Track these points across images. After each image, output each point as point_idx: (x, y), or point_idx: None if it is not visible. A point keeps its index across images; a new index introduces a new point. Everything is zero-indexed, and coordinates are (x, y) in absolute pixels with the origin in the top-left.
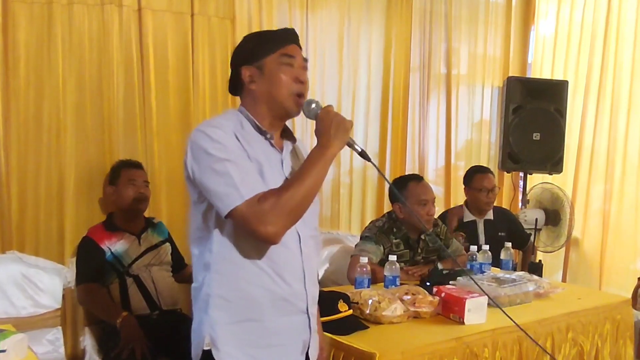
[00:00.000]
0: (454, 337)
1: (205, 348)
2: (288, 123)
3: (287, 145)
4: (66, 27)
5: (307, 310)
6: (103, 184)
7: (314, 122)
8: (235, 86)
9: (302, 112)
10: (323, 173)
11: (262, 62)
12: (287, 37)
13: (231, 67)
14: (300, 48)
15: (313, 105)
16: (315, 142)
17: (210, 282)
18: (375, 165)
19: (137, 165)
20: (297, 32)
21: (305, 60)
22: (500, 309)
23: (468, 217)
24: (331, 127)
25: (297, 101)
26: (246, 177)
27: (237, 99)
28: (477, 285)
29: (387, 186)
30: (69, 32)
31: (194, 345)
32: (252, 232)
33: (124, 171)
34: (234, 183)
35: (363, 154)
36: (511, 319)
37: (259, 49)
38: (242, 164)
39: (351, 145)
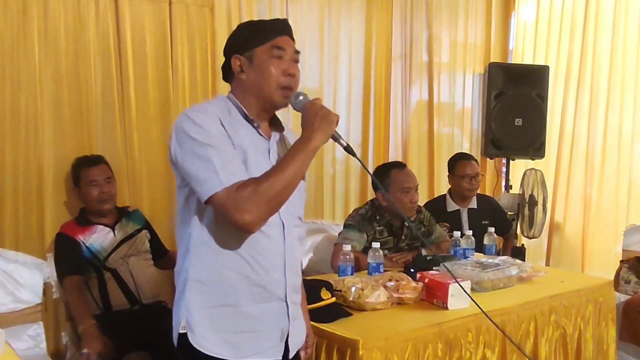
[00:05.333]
0: (438, 322)
1: (181, 331)
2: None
3: (275, 135)
4: (41, 18)
5: (286, 298)
6: (66, 184)
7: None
8: (227, 73)
9: (290, 104)
10: (305, 165)
11: (252, 52)
12: (279, 29)
13: (224, 54)
14: (293, 40)
15: (300, 98)
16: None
17: (189, 267)
18: (359, 160)
19: (95, 162)
20: None
21: (297, 52)
22: (468, 294)
23: (452, 206)
24: (315, 120)
25: (285, 94)
26: (228, 164)
27: (218, 88)
28: (450, 272)
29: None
30: (45, 23)
31: (174, 329)
32: (229, 220)
33: (83, 172)
34: (214, 169)
35: (348, 149)
36: (476, 303)
37: (251, 39)
38: (225, 149)
39: (336, 139)
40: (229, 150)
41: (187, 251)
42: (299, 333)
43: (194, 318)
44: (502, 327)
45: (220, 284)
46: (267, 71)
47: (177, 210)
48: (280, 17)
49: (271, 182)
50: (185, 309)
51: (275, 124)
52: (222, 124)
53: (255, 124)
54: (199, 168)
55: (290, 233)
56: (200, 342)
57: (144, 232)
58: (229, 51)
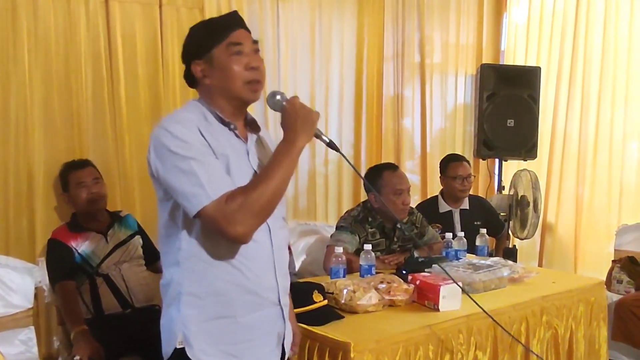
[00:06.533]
0: (429, 324)
1: (178, 346)
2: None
3: (252, 136)
4: (31, 19)
5: (280, 301)
6: (55, 191)
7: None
8: (191, 80)
9: (267, 104)
10: (291, 168)
11: (210, 55)
12: (231, 23)
13: (183, 62)
14: (249, 31)
15: (278, 97)
16: (280, 132)
17: (181, 280)
18: (343, 156)
19: (82, 165)
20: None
21: (255, 42)
22: (469, 296)
23: (444, 207)
24: (297, 121)
25: (252, 88)
26: (212, 176)
27: None
28: (448, 274)
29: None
30: (34, 25)
31: (164, 343)
32: (221, 233)
33: (71, 175)
34: (200, 182)
35: (331, 145)
36: (480, 306)
37: (205, 42)
38: (207, 161)
39: (319, 136)
40: (212, 161)
41: (176, 264)
42: (290, 334)
43: (191, 332)
44: (494, 328)
45: (215, 297)
46: (230, 70)
47: (160, 223)
48: (234, 11)
49: (260, 191)
50: (182, 324)
51: (251, 125)
52: (201, 134)
53: (232, 126)
54: (183, 183)
55: (277, 236)
56: (199, 356)
57: (137, 237)
58: (187, 58)
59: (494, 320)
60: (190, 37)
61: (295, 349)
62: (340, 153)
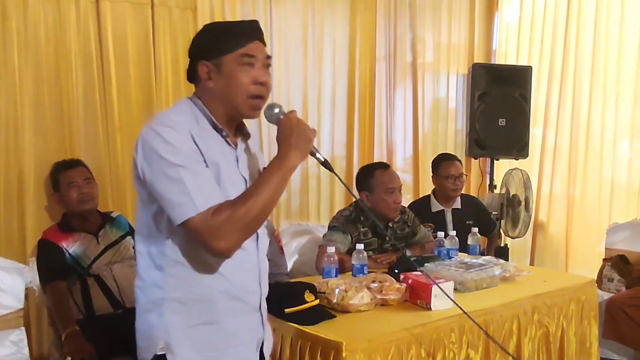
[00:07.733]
0: (421, 323)
1: (159, 353)
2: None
3: (241, 143)
4: (21, 20)
5: (260, 307)
6: (46, 191)
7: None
8: (192, 75)
9: (264, 116)
10: (282, 185)
11: (220, 60)
12: (249, 34)
13: (189, 56)
14: (264, 43)
15: (276, 110)
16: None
17: (164, 286)
18: (337, 176)
19: (73, 165)
20: (260, 23)
21: (269, 57)
22: (452, 300)
23: (436, 207)
24: (292, 137)
25: (254, 105)
26: (201, 186)
27: None
28: (431, 279)
29: (355, 176)
30: (24, 25)
31: (141, 349)
32: (204, 246)
33: (62, 175)
34: (187, 192)
35: (326, 164)
36: (459, 306)
37: (219, 46)
38: (197, 169)
39: (313, 154)
40: (201, 170)
41: (159, 269)
42: (269, 338)
43: (174, 339)
44: (485, 327)
45: (199, 303)
46: (237, 81)
47: (140, 223)
48: (255, 21)
49: (248, 207)
50: (163, 330)
51: (241, 131)
52: (193, 139)
53: (224, 133)
54: (171, 190)
55: (262, 242)
56: None
57: (128, 238)
58: (195, 55)
59: (476, 323)
60: (203, 36)
61: (270, 346)
62: (335, 173)
